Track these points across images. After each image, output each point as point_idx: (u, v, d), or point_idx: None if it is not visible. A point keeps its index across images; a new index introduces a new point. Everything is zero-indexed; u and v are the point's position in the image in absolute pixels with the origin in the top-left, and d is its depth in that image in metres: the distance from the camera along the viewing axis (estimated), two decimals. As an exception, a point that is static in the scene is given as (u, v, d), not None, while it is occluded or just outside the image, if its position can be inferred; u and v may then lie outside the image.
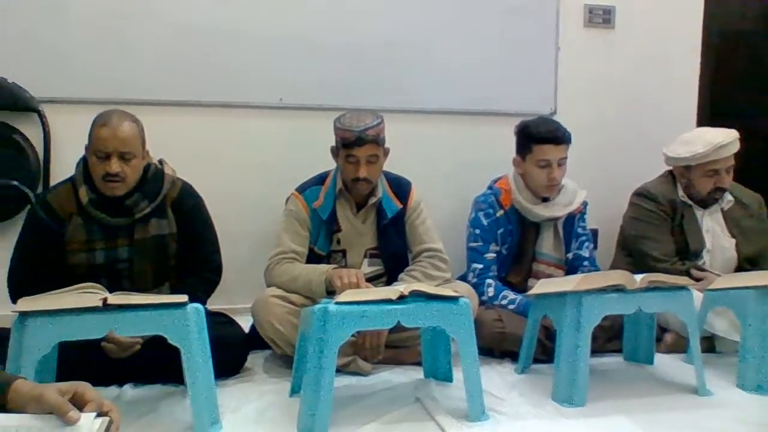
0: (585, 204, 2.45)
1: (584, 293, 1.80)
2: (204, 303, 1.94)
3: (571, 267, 2.42)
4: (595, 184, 2.65)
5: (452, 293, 1.73)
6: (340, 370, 1.95)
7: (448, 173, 2.79)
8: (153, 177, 1.93)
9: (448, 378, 1.95)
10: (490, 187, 2.44)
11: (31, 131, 2.45)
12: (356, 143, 2.07)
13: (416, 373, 2.03)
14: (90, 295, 1.54)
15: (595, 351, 1.97)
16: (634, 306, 1.85)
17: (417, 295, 1.68)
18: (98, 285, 1.63)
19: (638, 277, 1.86)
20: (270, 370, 2.08)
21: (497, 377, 2.03)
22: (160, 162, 2.01)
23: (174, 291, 1.92)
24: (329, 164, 2.25)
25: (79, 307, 1.50)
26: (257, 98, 2.62)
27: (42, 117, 2.43)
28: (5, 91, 2.37)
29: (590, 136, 2.82)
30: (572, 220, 2.42)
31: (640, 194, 2.54)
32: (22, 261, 1.87)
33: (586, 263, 2.42)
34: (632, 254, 2.54)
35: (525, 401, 1.84)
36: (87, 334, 1.52)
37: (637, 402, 1.84)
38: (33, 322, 1.47)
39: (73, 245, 1.86)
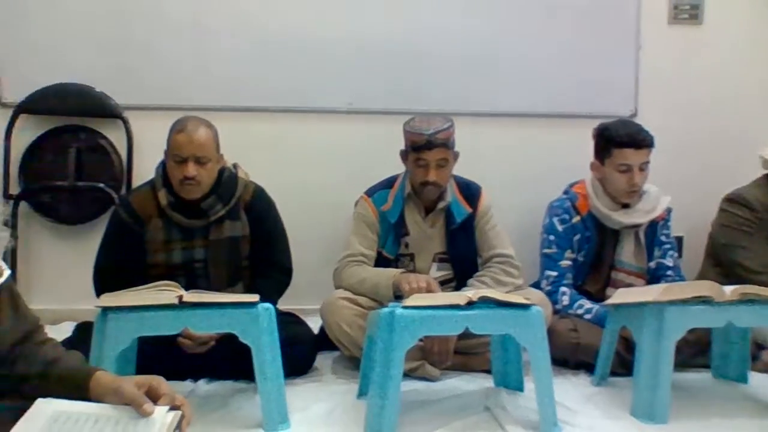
0: (669, 210, 2.32)
1: (667, 304, 1.69)
2: (275, 303, 1.98)
3: (653, 276, 2.29)
4: (681, 190, 2.49)
5: (523, 300, 1.67)
6: (408, 375, 1.92)
7: (521, 177, 2.72)
8: (227, 180, 1.99)
9: (519, 387, 1.89)
10: (566, 192, 2.35)
11: (116, 136, 2.60)
12: (426, 147, 2.05)
13: (486, 381, 1.98)
14: (167, 292, 1.60)
15: (680, 365, 1.85)
16: (723, 319, 1.72)
17: (486, 302, 1.63)
18: (175, 283, 1.68)
19: (728, 288, 1.73)
20: (338, 371, 2.09)
21: (571, 389, 1.94)
22: (234, 166, 2.07)
23: (247, 291, 1.96)
24: (398, 168, 2.24)
25: (157, 304, 1.56)
26: (326, 103, 2.66)
27: (126, 123, 2.57)
28: (93, 99, 2.53)
29: (674, 138, 2.67)
30: (655, 228, 2.29)
31: (733, 200, 2.37)
32: (105, 259, 1.98)
33: (669, 273, 2.28)
34: (722, 264, 2.37)
35: (601, 414, 1.76)
36: (164, 330, 1.58)
37: (726, 423, 1.70)
38: (114, 317, 1.54)
39: (152, 245, 1.94)
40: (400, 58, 2.64)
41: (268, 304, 1.66)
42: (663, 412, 1.68)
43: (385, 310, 1.65)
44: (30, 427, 1.00)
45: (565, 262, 2.24)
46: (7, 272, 0.97)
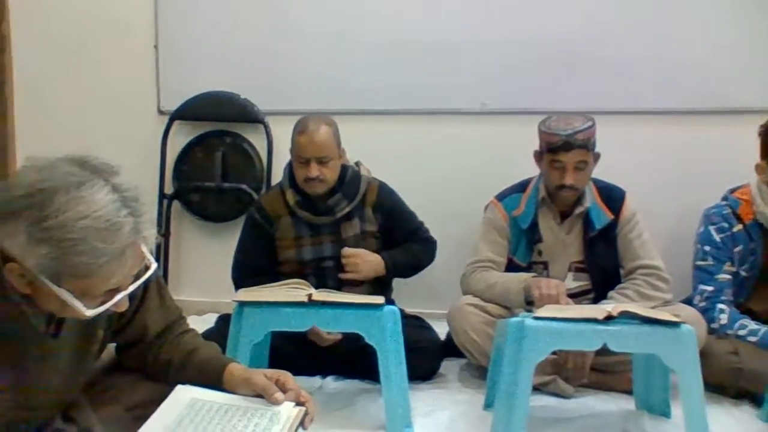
0: None
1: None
2: (421, 264, 2.10)
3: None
4: None
5: (672, 318, 1.50)
6: (539, 389, 1.84)
7: (671, 181, 2.47)
8: (351, 178, 2.04)
9: (665, 413, 1.71)
10: (725, 198, 2.09)
11: (257, 140, 2.75)
12: (563, 148, 1.92)
13: (626, 403, 1.82)
14: (298, 290, 1.65)
15: None
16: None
17: (628, 317, 1.49)
18: (305, 282, 1.74)
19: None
20: (464, 379, 2.04)
21: (731, 421, 1.72)
22: (357, 164, 2.10)
23: (396, 254, 2.03)
24: (532, 171, 2.13)
25: (288, 301, 1.61)
26: (460, 104, 2.61)
27: (266, 127, 2.71)
28: (237, 105, 2.69)
29: None
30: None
31: None
32: (242, 257, 2.10)
33: None
34: None
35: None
36: (293, 326, 1.63)
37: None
38: (249, 311, 1.62)
39: (283, 242, 2.03)
40: (536, 57, 2.52)
41: (394, 307, 1.66)
42: None
43: (515, 319, 1.58)
44: (170, 409, 1.07)
45: (724, 276, 1.98)
46: (154, 265, 1.03)
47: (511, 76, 2.54)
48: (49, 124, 2.83)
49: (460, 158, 2.63)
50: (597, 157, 2.00)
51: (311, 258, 2.02)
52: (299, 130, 1.96)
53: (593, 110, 2.18)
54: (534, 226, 2.04)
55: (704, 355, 1.53)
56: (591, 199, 2.02)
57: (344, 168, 2.04)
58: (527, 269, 2.04)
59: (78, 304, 0.92)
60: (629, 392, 1.83)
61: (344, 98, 2.65)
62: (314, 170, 1.92)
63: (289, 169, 2.05)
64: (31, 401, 1.04)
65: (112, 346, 1.26)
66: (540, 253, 2.05)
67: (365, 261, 1.96)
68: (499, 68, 2.55)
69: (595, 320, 1.48)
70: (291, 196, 2.01)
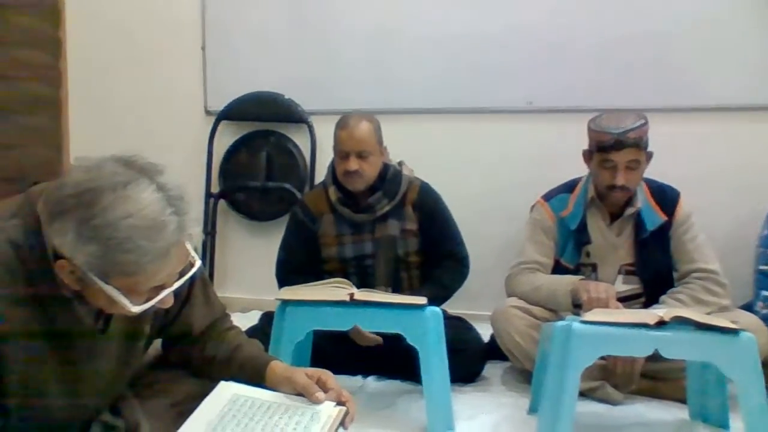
0: None
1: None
2: (452, 291, 2.02)
3: None
4: None
5: (729, 324, 1.43)
6: (585, 395, 1.78)
7: (730, 181, 2.37)
8: (392, 177, 2.03)
9: (723, 424, 1.63)
10: (790, 199, 1.98)
11: (301, 140, 2.77)
12: (614, 147, 1.86)
13: (680, 412, 1.74)
14: (340, 289, 1.65)
15: None
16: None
17: (681, 322, 1.43)
18: (347, 281, 1.73)
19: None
20: (508, 382, 2.00)
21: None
22: (399, 164, 2.09)
23: (423, 282, 2.00)
24: (580, 170, 2.07)
25: (330, 300, 1.61)
26: (504, 102, 2.56)
27: (310, 127, 2.73)
28: (282, 106, 2.72)
29: None
30: None
31: None
32: (285, 255, 2.11)
33: None
34: None
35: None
36: (335, 325, 1.63)
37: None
38: (291, 310, 1.62)
39: (325, 239, 2.03)
40: (584, 52, 2.46)
41: (435, 308, 1.64)
42: None
43: (561, 323, 1.53)
44: (213, 405, 1.09)
45: (788, 282, 1.88)
46: (198, 263, 1.05)
47: (559, 73, 2.49)
48: (101, 124, 2.93)
49: (505, 157, 2.59)
50: (650, 156, 1.92)
51: (352, 256, 2.02)
52: (341, 125, 1.98)
53: (644, 107, 2.11)
54: (582, 227, 1.98)
55: (766, 365, 1.44)
56: (643, 199, 1.94)
57: (386, 167, 2.04)
58: (575, 271, 1.99)
59: (125, 301, 0.94)
60: (682, 401, 1.75)
61: (388, 97, 2.64)
62: (353, 164, 1.93)
63: (332, 166, 2.06)
64: (80, 395, 1.07)
65: (158, 342, 1.28)
66: (588, 254, 1.99)
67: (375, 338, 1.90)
68: (546, 65, 2.50)
69: (646, 325, 1.42)
70: (333, 193, 2.02)
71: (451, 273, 2.04)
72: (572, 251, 1.99)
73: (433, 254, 2.05)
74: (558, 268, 2.01)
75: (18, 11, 2.68)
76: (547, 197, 2.07)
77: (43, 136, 2.87)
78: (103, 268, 0.91)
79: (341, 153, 1.96)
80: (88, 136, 2.94)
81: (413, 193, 2.04)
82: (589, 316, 1.52)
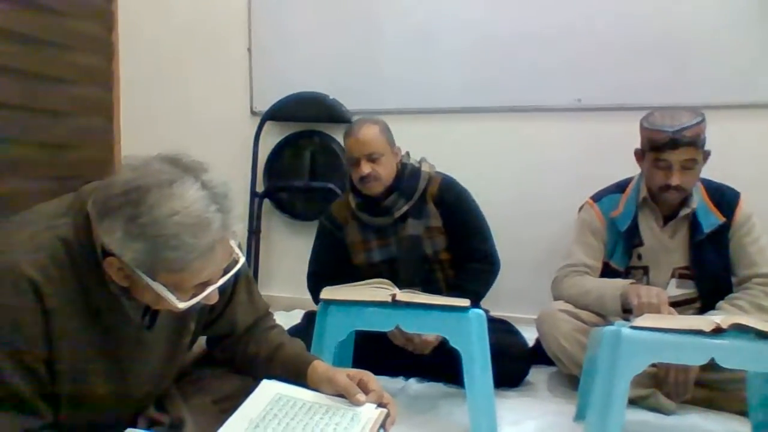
0: None
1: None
2: (481, 296, 1.95)
3: None
4: None
5: (795, 334, 1.35)
6: (635, 403, 1.72)
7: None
8: (410, 175, 1.99)
9: (786, 440, 1.54)
10: None
11: (346, 140, 2.77)
12: (668, 146, 1.78)
13: (739, 425, 1.66)
14: (382, 290, 1.64)
15: None
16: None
17: (740, 330, 1.35)
18: (389, 282, 1.72)
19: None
20: (554, 388, 1.95)
21: None
22: (419, 161, 2.06)
23: (449, 284, 1.96)
24: (631, 170, 2.00)
25: (372, 300, 1.60)
26: (553, 101, 2.50)
27: (352, 126, 2.73)
28: (326, 106, 2.73)
29: None
30: None
31: None
32: (316, 264, 2.11)
33: None
34: None
35: None
36: (377, 326, 1.62)
37: None
38: (333, 310, 1.62)
39: (353, 246, 2.03)
40: (635, 48, 2.37)
41: (479, 311, 1.61)
42: None
43: (610, 328, 1.48)
44: (256, 403, 1.09)
45: None
46: (242, 260, 1.05)
47: (609, 70, 2.41)
48: (151, 124, 3.01)
49: (553, 157, 2.53)
50: (707, 155, 1.84)
51: (381, 260, 2.00)
52: (347, 133, 1.98)
53: (702, 104, 2.02)
54: (633, 228, 1.91)
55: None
56: (699, 200, 1.86)
57: (403, 166, 2.01)
58: (625, 274, 1.92)
59: (171, 297, 0.95)
60: (743, 413, 1.66)
61: (430, 97, 2.62)
62: (365, 167, 1.91)
63: (350, 174, 2.06)
64: (127, 390, 1.09)
65: (203, 339, 1.30)
66: (640, 257, 1.92)
67: (423, 341, 1.84)
68: (595, 61, 2.42)
69: (701, 332, 1.36)
70: (352, 200, 2.02)
71: (477, 276, 1.97)
72: (622, 254, 1.92)
73: (459, 252, 1.99)
74: (607, 271, 1.94)
75: (74, 16, 2.77)
76: (597, 198, 2.01)
77: (96, 137, 2.97)
78: (150, 265, 0.92)
79: (352, 160, 1.96)
80: (139, 137, 3.02)
81: (434, 188, 1.99)
82: (639, 321, 1.46)
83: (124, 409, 1.12)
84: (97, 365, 1.04)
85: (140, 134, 3.02)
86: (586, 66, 2.43)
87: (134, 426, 1.10)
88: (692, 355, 1.38)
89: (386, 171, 1.95)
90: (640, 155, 1.92)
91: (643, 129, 1.88)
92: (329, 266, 2.06)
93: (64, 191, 1.06)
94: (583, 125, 2.48)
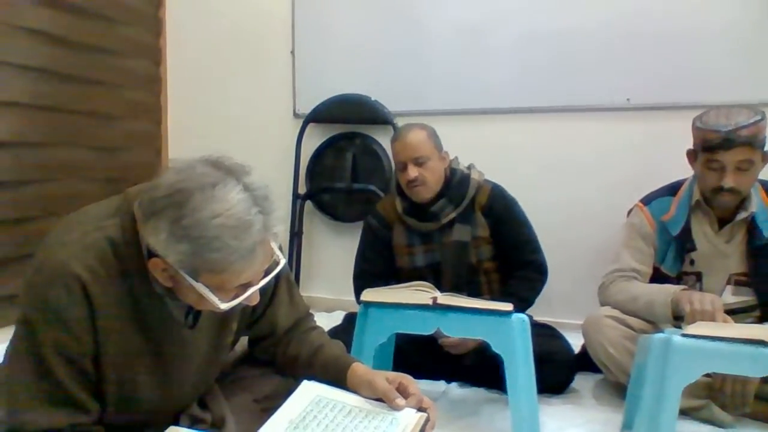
0: None
1: None
2: (530, 303, 1.93)
3: None
4: None
5: None
6: (687, 414, 1.65)
7: None
8: (458, 182, 1.97)
9: None
10: None
11: (387, 141, 2.75)
12: (722, 146, 1.70)
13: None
14: (423, 293, 1.62)
15: None
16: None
17: (804, 341, 1.28)
18: (430, 284, 1.70)
19: None
20: (600, 396, 1.89)
21: None
22: (468, 167, 2.03)
23: (498, 293, 1.93)
24: (684, 172, 1.92)
25: (413, 303, 1.59)
26: (601, 100, 2.44)
27: (395, 129, 2.70)
28: (368, 107, 2.73)
29: None
30: None
31: None
32: (363, 263, 2.10)
33: None
34: None
35: None
36: (417, 329, 1.60)
37: None
38: (373, 312, 1.61)
39: (398, 249, 2.02)
40: (688, 42, 2.28)
41: (522, 315, 1.57)
42: None
43: (660, 335, 1.43)
44: (296, 404, 1.09)
45: None
46: (283, 261, 1.06)
47: (660, 67, 2.33)
48: (196, 128, 3.08)
49: (600, 158, 2.47)
50: (766, 156, 1.75)
51: (424, 264, 1.99)
52: (394, 138, 1.98)
53: (762, 102, 1.92)
54: (686, 232, 1.83)
55: None
56: (758, 203, 1.77)
57: (452, 172, 1.99)
58: (676, 280, 1.85)
59: (213, 298, 0.96)
60: (805, 429, 1.58)
61: (474, 97, 2.59)
62: (412, 172, 1.90)
63: (397, 177, 2.05)
64: (170, 388, 1.11)
65: (245, 339, 1.31)
66: (692, 262, 1.84)
67: (466, 345, 1.84)
68: (646, 59, 2.35)
69: (760, 342, 1.29)
70: (399, 204, 2.01)
71: (528, 284, 1.95)
72: (674, 259, 1.85)
73: (507, 262, 1.97)
74: (657, 277, 1.87)
75: (123, 23, 2.86)
76: (647, 201, 1.94)
77: (145, 140, 3.05)
78: (193, 266, 0.94)
79: (399, 164, 1.95)
80: (185, 140, 3.09)
81: (483, 197, 1.97)
82: (691, 329, 1.40)
83: (167, 407, 1.14)
84: (141, 364, 1.06)
85: (186, 137, 3.09)
86: (636, 64, 2.36)
87: (177, 424, 1.12)
88: (751, 366, 1.32)
89: (433, 176, 1.94)
90: (692, 156, 1.85)
91: (695, 128, 1.81)
92: (377, 264, 2.05)
93: (115, 193, 1.08)
94: (632, 125, 2.41)
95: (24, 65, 2.35)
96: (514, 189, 2.04)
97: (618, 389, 1.83)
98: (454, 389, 1.92)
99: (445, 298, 1.58)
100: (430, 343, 1.84)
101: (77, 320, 0.97)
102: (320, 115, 2.82)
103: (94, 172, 2.70)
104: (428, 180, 1.92)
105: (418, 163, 1.92)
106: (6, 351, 1.03)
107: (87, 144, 2.68)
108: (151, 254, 0.97)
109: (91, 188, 2.64)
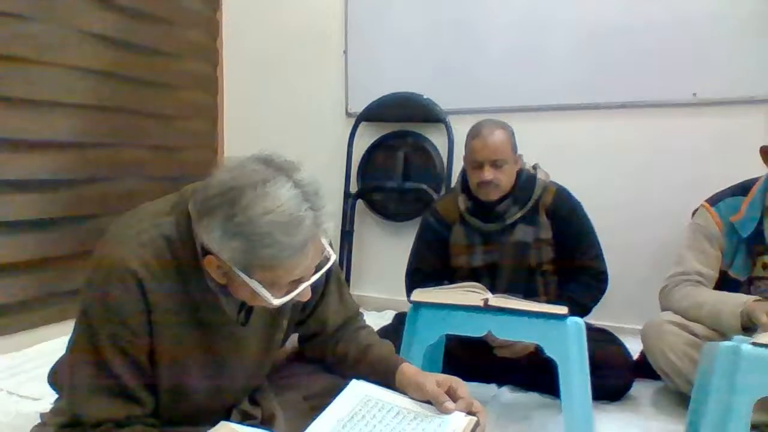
0: None
1: None
2: (588, 310, 1.87)
3: None
4: None
5: None
6: (760, 430, 1.55)
7: None
8: (525, 183, 1.92)
9: None
10: None
11: (438, 140, 2.75)
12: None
13: None
14: (474, 294, 1.59)
15: None
16: None
17: None
18: (481, 285, 1.67)
19: None
20: (659, 404, 1.81)
21: None
22: (534, 167, 1.98)
23: (557, 297, 1.87)
24: (757, 171, 1.81)
25: (464, 304, 1.56)
26: (666, 95, 2.34)
27: (448, 127, 2.69)
28: (420, 106, 2.72)
29: None
30: None
31: None
32: (416, 262, 2.07)
33: None
34: None
35: None
36: (467, 331, 1.57)
37: None
38: (424, 312, 1.59)
39: (456, 248, 1.97)
40: (758, 33, 2.16)
41: (578, 319, 1.52)
42: None
43: (728, 343, 1.35)
44: (345, 403, 1.09)
45: None
46: (333, 257, 1.06)
47: (728, 59, 2.21)
48: (251, 127, 3.14)
49: (665, 156, 2.37)
50: None
51: (483, 264, 1.94)
52: (473, 134, 1.91)
53: None
54: (758, 234, 1.73)
55: None
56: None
57: (519, 172, 1.93)
58: (747, 285, 1.74)
59: (266, 294, 0.97)
60: None
61: (532, 94, 2.54)
62: (488, 173, 1.85)
63: (463, 175, 2.00)
64: (222, 383, 1.13)
65: (295, 336, 1.32)
66: (765, 267, 1.73)
67: (519, 350, 1.77)
68: (710, 53, 2.23)
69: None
70: (462, 202, 1.96)
71: (588, 290, 1.88)
72: (743, 262, 1.75)
73: (568, 266, 1.91)
74: (725, 282, 1.77)
75: (182, 25, 2.94)
76: (713, 201, 1.84)
77: (202, 140, 3.13)
78: (246, 262, 0.95)
79: (474, 163, 1.88)
80: (241, 139, 3.16)
81: (548, 199, 1.91)
82: (763, 338, 1.32)
83: (219, 402, 1.15)
84: (194, 359, 1.08)
85: (242, 136, 3.16)
86: (701, 56, 2.25)
87: (228, 419, 1.13)
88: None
89: (507, 179, 1.89)
90: (766, 153, 1.74)
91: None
92: (432, 263, 2.02)
93: (173, 191, 1.11)
94: (699, 121, 2.30)
95: (88, 68, 2.45)
96: (572, 187, 1.98)
97: (679, 398, 1.75)
98: (506, 393, 1.88)
99: (496, 300, 1.54)
100: (481, 345, 1.80)
101: (133, 315, 0.99)
102: (372, 113, 2.82)
103: (153, 170, 2.79)
104: (502, 183, 1.87)
105: (496, 165, 1.86)
106: (68, 343, 1.07)
107: (147, 143, 2.77)
108: (206, 252, 0.98)
109: (150, 187, 2.73)
